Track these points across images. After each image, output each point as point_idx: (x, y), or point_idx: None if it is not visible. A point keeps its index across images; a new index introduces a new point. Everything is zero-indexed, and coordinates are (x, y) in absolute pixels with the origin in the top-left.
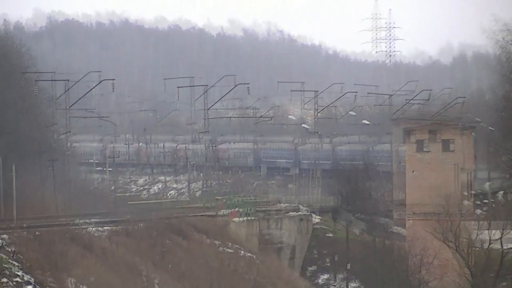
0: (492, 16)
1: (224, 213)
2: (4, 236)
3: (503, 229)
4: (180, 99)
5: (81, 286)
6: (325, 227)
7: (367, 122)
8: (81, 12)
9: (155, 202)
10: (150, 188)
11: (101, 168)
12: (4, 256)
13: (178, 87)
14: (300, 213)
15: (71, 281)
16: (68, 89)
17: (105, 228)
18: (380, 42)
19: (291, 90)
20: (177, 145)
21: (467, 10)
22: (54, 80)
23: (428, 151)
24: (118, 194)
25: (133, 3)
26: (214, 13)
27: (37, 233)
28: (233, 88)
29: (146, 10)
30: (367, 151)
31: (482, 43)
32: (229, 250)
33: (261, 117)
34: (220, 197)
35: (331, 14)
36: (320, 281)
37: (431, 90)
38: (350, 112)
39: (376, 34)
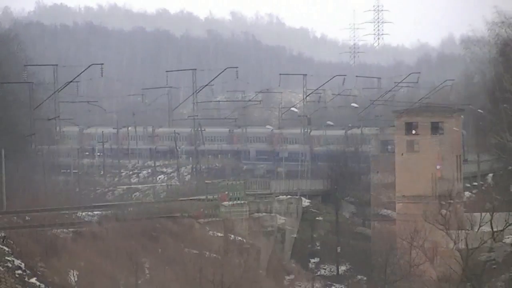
0: (495, 8)
1: (225, 204)
2: None
3: (493, 211)
4: (170, 84)
5: (71, 270)
6: (314, 210)
7: (356, 105)
8: None
9: (148, 187)
10: (140, 173)
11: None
12: None
13: (166, 71)
14: (289, 196)
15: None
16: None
17: (95, 212)
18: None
19: (280, 74)
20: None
21: (470, 2)
22: (43, 65)
23: (418, 134)
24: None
25: None
26: (216, 6)
27: (27, 218)
28: (221, 72)
29: (148, 2)
30: (357, 135)
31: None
32: (219, 234)
33: (249, 101)
34: (210, 181)
35: (331, 4)
36: (310, 264)
37: (419, 73)
38: (352, 104)
39: (378, 26)
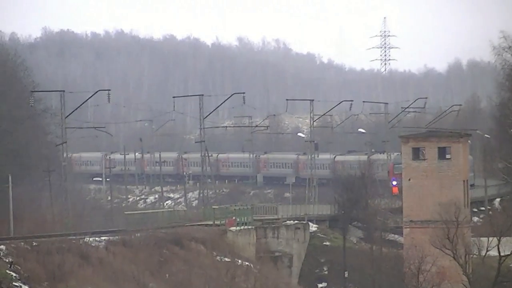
0: (501, 33)
1: (232, 229)
2: (2, 246)
3: (500, 236)
4: (176, 110)
5: None
6: (322, 235)
7: (363, 131)
8: (76, 23)
9: (152, 212)
10: (147, 198)
11: (100, 179)
12: (2, 267)
13: (173, 97)
14: (297, 221)
15: None
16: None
17: (102, 238)
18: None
19: (287, 99)
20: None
21: (477, 27)
22: (50, 91)
23: (424, 159)
24: (114, 205)
25: (142, 22)
26: (223, 32)
27: (34, 243)
28: (228, 98)
29: (155, 29)
30: (364, 161)
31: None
32: (226, 259)
33: (256, 126)
34: (217, 206)
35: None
36: None
37: (426, 98)
38: (360, 130)
39: (385, 51)
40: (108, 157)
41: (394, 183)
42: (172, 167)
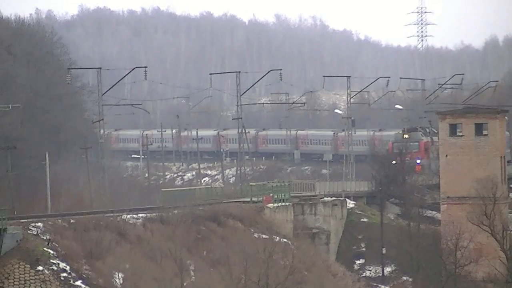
0: None
1: (269, 206)
2: (39, 224)
3: None
4: (213, 87)
5: (116, 273)
6: (359, 212)
7: (400, 107)
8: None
9: (190, 189)
10: (184, 175)
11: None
12: (40, 244)
13: (210, 74)
14: (334, 198)
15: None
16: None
17: (140, 215)
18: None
19: (324, 76)
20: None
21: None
22: (86, 68)
23: (462, 135)
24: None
25: None
26: (260, 9)
27: (71, 221)
28: (265, 75)
29: (192, 6)
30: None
31: None
32: (264, 236)
33: (293, 103)
34: (254, 183)
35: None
36: (355, 266)
37: (463, 74)
38: (397, 106)
39: (422, 27)
40: (145, 134)
41: (393, 162)
42: (210, 144)
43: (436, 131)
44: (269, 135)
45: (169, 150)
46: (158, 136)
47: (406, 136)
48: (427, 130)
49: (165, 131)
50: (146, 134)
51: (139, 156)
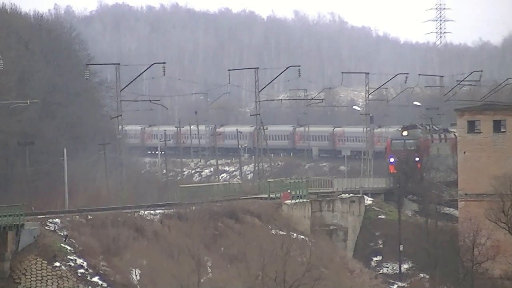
0: None
1: (287, 202)
2: (57, 220)
3: None
4: (231, 83)
5: (133, 269)
6: (377, 208)
7: (419, 104)
8: None
9: (207, 185)
10: (202, 171)
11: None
12: (57, 240)
13: (228, 70)
14: (352, 195)
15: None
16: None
17: (157, 211)
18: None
19: (342, 72)
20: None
21: None
22: (105, 64)
23: (480, 132)
24: (169, 177)
25: None
26: (278, 5)
27: (89, 217)
28: (284, 71)
29: (210, 2)
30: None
31: None
32: (282, 233)
33: (312, 99)
34: (272, 180)
35: (388, 1)
36: (372, 263)
37: (482, 71)
38: (415, 103)
39: (440, 24)
40: (164, 130)
41: (392, 160)
42: (246, 140)
43: (437, 128)
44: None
45: (188, 146)
46: (193, 131)
47: (405, 133)
48: (427, 128)
49: (184, 127)
50: (165, 130)
51: (157, 152)
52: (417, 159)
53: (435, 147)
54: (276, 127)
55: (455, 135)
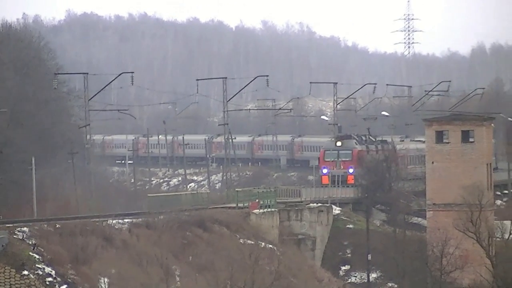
0: None
1: (256, 212)
2: (25, 228)
3: None
4: (200, 92)
5: (102, 278)
6: (345, 218)
7: (387, 114)
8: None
9: (175, 195)
10: (170, 181)
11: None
12: (25, 249)
13: (197, 79)
14: (320, 204)
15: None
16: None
17: (126, 220)
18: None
19: (310, 82)
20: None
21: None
22: (73, 73)
23: (448, 142)
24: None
25: (166, 4)
26: (247, 15)
27: (57, 225)
28: (252, 80)
29: (179, 11)
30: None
31: None
32: (250, 242)
33: (280, 109)
34: (240, 189)
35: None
36: (341, 272)
37: (450, 81)
38: (383, 113)
39: (409, 34)
40: (137, 139)
41: (325, 171)
42: (245, 151)
43: (374, 139)
44: (265, 141)
45: (155, 155)
46: (152, 141)
47: (338, 144)
48: (363, 138)
49: (151, 136)
50: (133, 139)
51: (124, 162)
52: (351, 170)
53: (371, 158)
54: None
55: (393, 146)
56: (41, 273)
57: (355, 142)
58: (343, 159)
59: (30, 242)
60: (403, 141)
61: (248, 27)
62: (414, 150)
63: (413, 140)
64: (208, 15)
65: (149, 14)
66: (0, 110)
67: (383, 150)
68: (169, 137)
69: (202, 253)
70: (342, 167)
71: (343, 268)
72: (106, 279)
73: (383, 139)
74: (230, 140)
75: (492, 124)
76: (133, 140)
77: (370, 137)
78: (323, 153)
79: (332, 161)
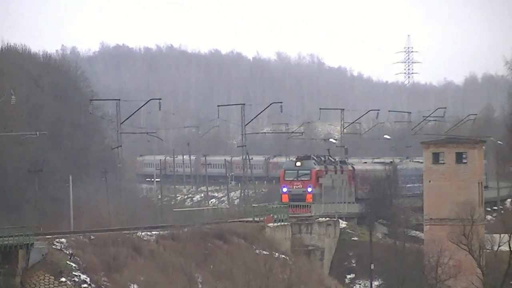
0: None
1: (270, 225)
2: (63, 240)
3: (511, 233)
4: (220, 117)
5: (132, 284)
6: (350, 231)
7: (388, 137)
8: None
9: (198, 209)
10: (193, 197)
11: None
12: (63, 258)
13: (218, 105)
14: (328, 219)
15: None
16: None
17: (153, 232)
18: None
19: (320, 108)
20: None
21: (491, 45)
22: (106, 100)
23: (443, 163)
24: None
25: (190, 37)
26: (262, 48)
27: (92, 237)
28: (267, 107)
29: (202, 43)
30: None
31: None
32: (265, 252)
33: (292, 132)
34: (256, 205)
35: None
36: (346, 280)
37: (445, 108)
38: (385, 136)
39: (409, 66)
40: (164, 160)
41: (284, 190)
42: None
43: (333, 160)
44: (279, 161)
45: (180, 174)
46: (178, 161)
47: (298, 164)
48: (322, 159)
49: (176, 156)
50: (160, 160)
51: (153, 180)
52: (309, 189)
53: (329, 179)
54: (255, 157)
55: (352, 167)
56: (77, 280)
57: (314, 163)
58: (303, 179)
59: (68, 252)
60: (366, 162)
61: (264, 58)
62: (371, 171)
63: (375, 162)
64: (227, 47)
65: (175, 46)
66: (40, 133)
67: (342, 170)
68: (193, 157)
69: (222, 262)
70: (301, 186)
71: (348, 276)
72: (135, 286)
73: (342, 160)
74: (248, 160)
75: (483, 147)
76: (160, 160)
77: (330, 158)
78: (283, 173)
79: (292, 180)
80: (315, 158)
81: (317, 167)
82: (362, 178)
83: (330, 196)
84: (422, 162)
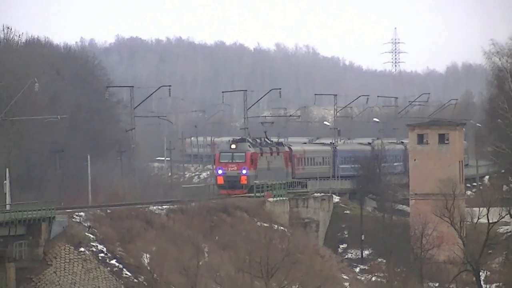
0: (491, 40)
1: (270, 200)
2: (82, 213)
3: (489, 207)
4: (225, 102)
5: (144, 254)
6: (343, 205)
7: (377, 120)
8: (144, 31)
9: (205, 186)
10: (200, 174)
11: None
12: (82, 230)
13: (222, 92)
14: (323, 194)
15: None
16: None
17: (164, 207)
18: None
19: (315, 94)
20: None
21: (470, 36)
22: (121, 87)
23: (427, 143)
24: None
25: (197, 30)
26: (263, 39)
27: (108, 211)
28: (267, 93)
29: (208, 35)
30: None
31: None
32: (265, 225)
33: (290, 116)
34: (258, 182)
35: (357, 36)
36: (339, 249)
37: (429, 93)
38: (374, 119)
39: (395, 55)
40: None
41: (220, 172)
42: None
43: (270, 142)
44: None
45: (188, 153)
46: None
47: (233, 146)
48: (258, 141)
49: (186, 139)
50: (170, 141)
51: (163, 159)
52: (244, 171)
53: (265, 160)
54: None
55: (289, 148)
56: (94, 250)
57: (249, 145)
58: (237, 161)
59: (86, 225)
60: (305, 143)
61: (264, 48)
62: (311, 152)
63: (315, 143)
64: (231, 38)
65: (183, 38)
66: (61, 117)
67: (278, 152)
68: (200, 139)
69: (226, 233)
70: (236, 168)
71: (341, 246)
72: (147, 255)
73: (279, 141)
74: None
75: (464, 129)
76: (170, 141)
77: (267, 140)
78: (218, 155)
79: (227, 162)
80: (250, 141)
81: (252, 150)
82: (299, 158)
83: (266, 178)
84: (396, 143)
